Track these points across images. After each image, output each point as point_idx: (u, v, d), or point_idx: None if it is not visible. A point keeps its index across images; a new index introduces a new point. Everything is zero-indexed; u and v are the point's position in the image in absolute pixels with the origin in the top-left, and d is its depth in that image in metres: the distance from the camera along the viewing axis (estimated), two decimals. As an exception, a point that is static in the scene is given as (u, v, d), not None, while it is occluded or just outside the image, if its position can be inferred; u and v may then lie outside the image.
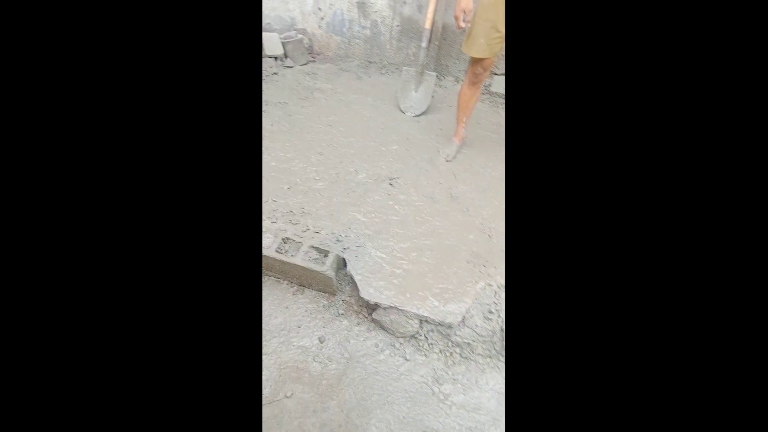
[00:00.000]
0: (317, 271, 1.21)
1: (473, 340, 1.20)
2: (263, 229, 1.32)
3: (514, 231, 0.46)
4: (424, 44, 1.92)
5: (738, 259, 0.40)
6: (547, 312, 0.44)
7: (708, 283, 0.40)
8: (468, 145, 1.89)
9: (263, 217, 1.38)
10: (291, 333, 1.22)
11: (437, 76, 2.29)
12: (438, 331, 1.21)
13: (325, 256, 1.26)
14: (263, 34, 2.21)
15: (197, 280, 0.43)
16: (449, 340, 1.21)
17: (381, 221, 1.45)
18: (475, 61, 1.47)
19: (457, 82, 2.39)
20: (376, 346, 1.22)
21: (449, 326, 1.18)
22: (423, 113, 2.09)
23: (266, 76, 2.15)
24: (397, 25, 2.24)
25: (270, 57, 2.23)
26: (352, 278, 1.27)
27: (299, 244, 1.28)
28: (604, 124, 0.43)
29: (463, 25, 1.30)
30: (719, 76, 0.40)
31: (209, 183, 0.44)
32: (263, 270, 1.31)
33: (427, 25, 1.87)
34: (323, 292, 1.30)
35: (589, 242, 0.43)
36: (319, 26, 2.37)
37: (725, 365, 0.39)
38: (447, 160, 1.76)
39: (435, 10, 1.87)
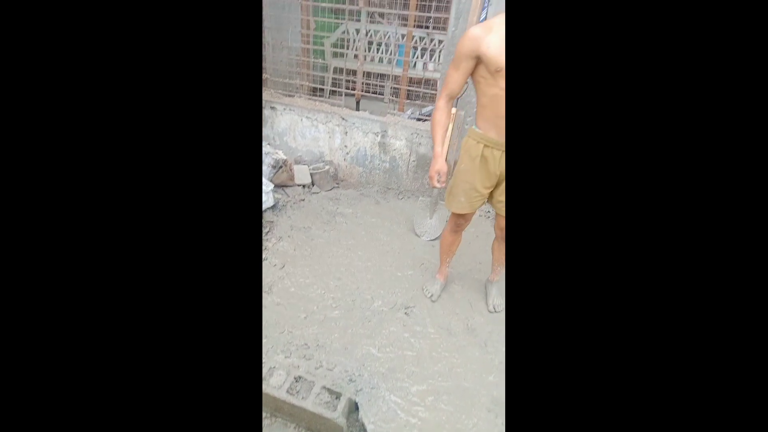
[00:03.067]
0: (328, 418, 1.14)
1: None
2: (276, 365, 1.30)
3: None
4: (437, 179, 2.13)
5: (739, 262, 0.39)
6: None
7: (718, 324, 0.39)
8: (484, 272, 1.93)
9: (278, 351, 1.38)
10: (293, 494, 1.09)
11: (450, 203, 2.48)
12: (459, 501, 1.06)
13: (337, 398, 1.21)
14: (296, 166, 2.53)
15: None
16: None
17: (396, 357, 1.41)
18: (457, 214, 1.50)
19: (469, 207, 2.56)
20: None
21: (472, 496, 1.04)
22: (437, 238, 2.19)
23: (295, 202, 2.38)
24: (414, 160, 2.53)
25: (299, 185, 2.50)
26: (363, 425, 1.18)
27: (311, 383, 1.24)
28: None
29: (437, 185, 1.34)
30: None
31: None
32: (272, 411, 1.24)
33: (440, 165, 2.11)
34: (332, 440, 1.20)
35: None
36: (344, 159, 2.70)
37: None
38: (432, 300, 1.71)
39: (447, 152, 2.13)
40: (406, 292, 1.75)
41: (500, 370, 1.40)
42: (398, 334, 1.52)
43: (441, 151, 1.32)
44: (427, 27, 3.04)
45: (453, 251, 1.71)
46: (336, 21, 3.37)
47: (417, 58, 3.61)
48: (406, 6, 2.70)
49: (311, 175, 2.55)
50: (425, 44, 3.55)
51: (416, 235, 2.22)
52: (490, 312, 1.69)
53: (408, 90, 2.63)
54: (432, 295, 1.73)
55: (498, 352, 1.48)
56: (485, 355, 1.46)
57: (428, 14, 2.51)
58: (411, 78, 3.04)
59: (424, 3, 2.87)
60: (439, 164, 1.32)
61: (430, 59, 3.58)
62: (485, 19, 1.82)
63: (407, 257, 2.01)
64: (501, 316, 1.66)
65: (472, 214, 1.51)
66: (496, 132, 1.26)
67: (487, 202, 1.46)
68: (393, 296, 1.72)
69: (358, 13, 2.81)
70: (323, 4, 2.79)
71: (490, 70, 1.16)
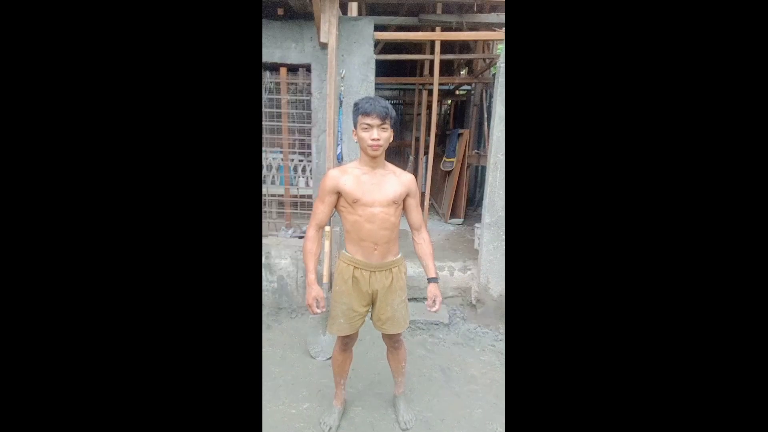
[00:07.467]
0: None
1: None
2: None
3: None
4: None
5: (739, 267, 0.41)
6: None
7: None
8: (384, 383, 1.89)
9: None
10: None
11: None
12: None
13: None
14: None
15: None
16: None
17: None
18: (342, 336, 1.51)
19: (364, 313, 2.59)
20: None
21: None
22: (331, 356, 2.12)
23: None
24: (301, 276, 2.54)
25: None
26: None
27: None
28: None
29: (318, 311, 1.36)
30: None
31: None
32: None
33: (325, 280, 2.16)
34: None
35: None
36: (228, 286, 2.55)
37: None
38: None
39: (330, 265, 2.21)
40: (301, 432, 1.58)
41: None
42: (292, 494, 1.31)
43: (313, 278, 1.37)
44: (300, 152, 3.42)
45: (346, 371, 1.66)
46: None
47: (298, 176, 3.90)
48: (278, 139, 2.99)
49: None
50: (303, 165, 3.89)
51: (311, 356, 2.11)
52: (403, 430, 1.61)
53: (292, 211, 2.76)
54: (330, 429, 1.59)
55: (404, 479, 1.38)
56: (391, 489, 1.35)
57: (295, 150, 2.81)
58: (293, 196, 3.22)
59: (293, 139, 3.23)
60: (315, 291, 1.36)
61: (311, 177, 3.90)
62: (341, 152, 2.13)
63: (302, 387, 1.86)
64: (404, 433, 1.60)
65: (357, 333, 1.53)
66: (362, 254, 1.39)
67: (371, 320, 1.52)
68: (286, 443, 1.53)
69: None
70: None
71: (348, 201, 1.35)
